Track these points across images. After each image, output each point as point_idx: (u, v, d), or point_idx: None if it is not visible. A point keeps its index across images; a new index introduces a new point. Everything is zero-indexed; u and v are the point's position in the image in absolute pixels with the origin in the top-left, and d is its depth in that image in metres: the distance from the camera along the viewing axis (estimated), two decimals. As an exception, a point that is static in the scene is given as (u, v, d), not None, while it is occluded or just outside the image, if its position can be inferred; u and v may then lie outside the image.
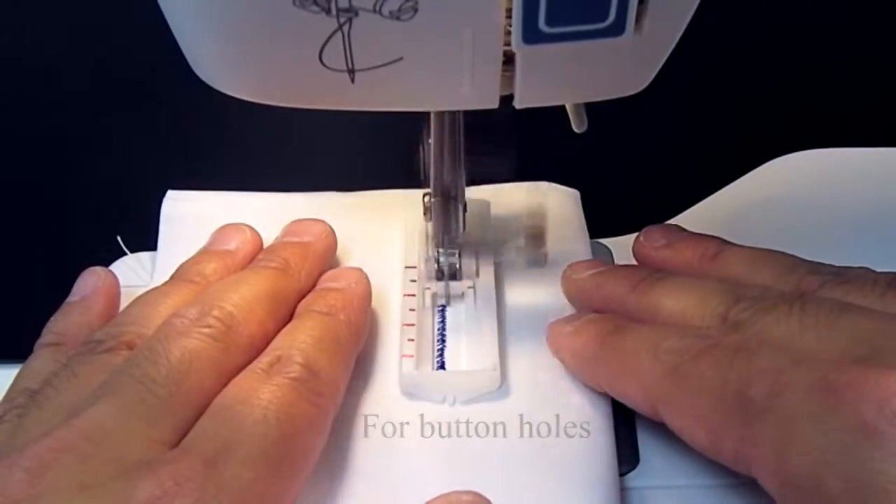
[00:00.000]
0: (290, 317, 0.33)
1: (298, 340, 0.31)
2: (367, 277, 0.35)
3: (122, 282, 0.37)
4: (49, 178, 0.48)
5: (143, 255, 0.39)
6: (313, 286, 0.35)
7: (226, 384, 0.29)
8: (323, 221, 0.37)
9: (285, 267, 0.35)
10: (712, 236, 0.35)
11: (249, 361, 0.30)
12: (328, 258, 0.37)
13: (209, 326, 0.30)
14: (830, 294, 0.29)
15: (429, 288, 0.36)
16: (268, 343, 0.32)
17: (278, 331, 0.32)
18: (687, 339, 0.28)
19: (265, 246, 0.37)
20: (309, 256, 0.36)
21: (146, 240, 0.39)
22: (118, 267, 0.39)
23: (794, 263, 0.32)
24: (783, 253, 0.33)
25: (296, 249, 0.36)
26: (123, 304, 0.35)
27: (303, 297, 0.34)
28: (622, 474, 0.32)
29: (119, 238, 0.39)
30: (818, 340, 0.26)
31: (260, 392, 0.28)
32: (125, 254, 0.39)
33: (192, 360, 0.29)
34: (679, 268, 0.34)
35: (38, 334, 0.35)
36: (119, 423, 0.27)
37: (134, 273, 0.39)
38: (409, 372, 0.33)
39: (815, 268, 0.31)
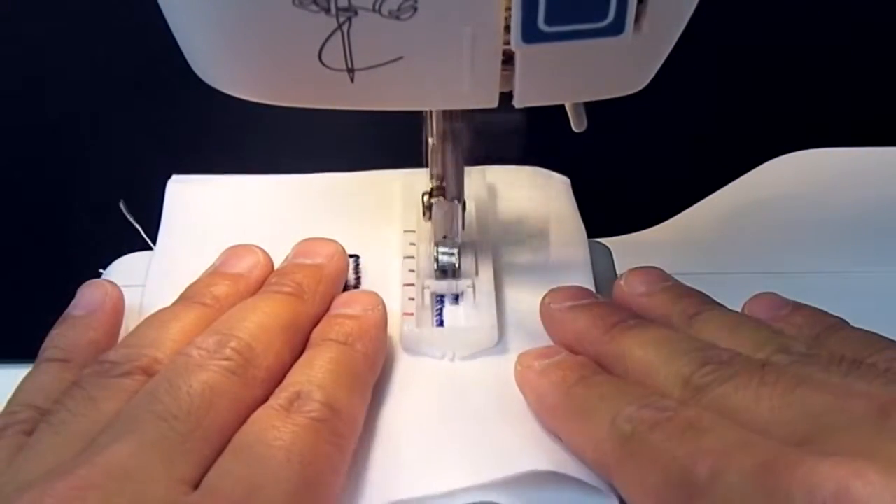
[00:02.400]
0: (306, 343, 0.33)
1: (317, 377, 0.31)
2: (382, 302, 0.35)
3: (118, 281, 0.37)
4: (49, 177, 0.48)
5: (141, 255, 0.39)
6: (327, 309, 0.35)
7: (244, 418, 0.29)
8: (334, 242, 0.37)
9: (299, 292, 0.34)
10: (695, 292, 0.35)
11: (267, 393, 0.30)
12: (340, 280, 0.37)
13: (228, 359, 0.30)
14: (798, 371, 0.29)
15: (427, 287, 0.36)
16: (284, 373, 0.31)
17: (294, 360, 0.32)
18: (645, 410, 0.28)
19: (267, 238, 0.37)
20: (322, 280, 0.35)
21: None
22: (115, 267, 0.39)
23: (767, 338, 0.31)
24: (761, 324, 0.33)
25: (308, 272, 0.35)
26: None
27: (317, 321, 0.34)
28: None
29: (122, 204, 0.39)
30: (771, 411, 0.27)
31: (281, 432, 0.28)
32: (124, 254, 0.39)
33: (213, 395, 0.29)
34: (656, 319, 0.34)
35: (38, 335, 0.34)
36: (141, 462, 0.27)
37: (131, 273, 0.39)
38: (410, 329, 0.34)
39: (786, 346, 0.31)
